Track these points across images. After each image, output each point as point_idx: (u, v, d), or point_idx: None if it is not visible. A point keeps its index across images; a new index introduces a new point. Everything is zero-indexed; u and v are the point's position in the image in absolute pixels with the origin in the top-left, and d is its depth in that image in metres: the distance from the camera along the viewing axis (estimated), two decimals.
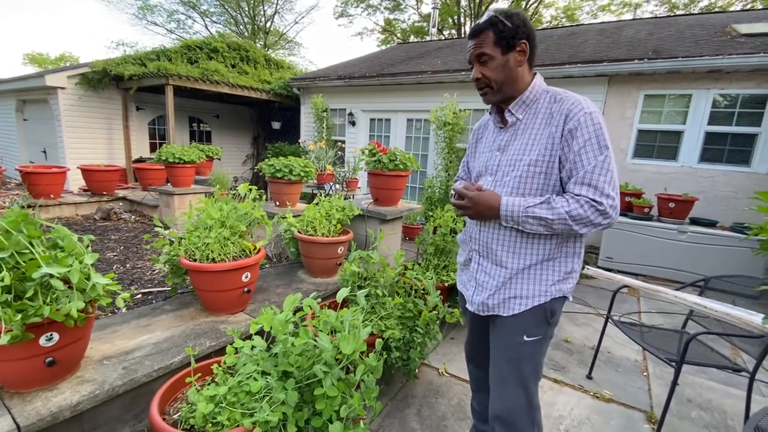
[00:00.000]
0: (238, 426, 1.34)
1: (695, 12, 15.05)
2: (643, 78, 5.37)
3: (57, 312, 1.31)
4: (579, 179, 1.12)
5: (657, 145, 5.49)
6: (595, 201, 1.10)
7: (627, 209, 5.05)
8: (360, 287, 2.34)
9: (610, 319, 2.39)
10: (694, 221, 4.76)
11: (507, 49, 1.19)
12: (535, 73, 1.28)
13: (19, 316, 1.25)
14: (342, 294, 1.59)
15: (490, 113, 1.39)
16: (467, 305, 1.45)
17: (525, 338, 1.26)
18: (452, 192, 1.32)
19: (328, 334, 1.49)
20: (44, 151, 8.72)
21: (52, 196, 5.18)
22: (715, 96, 5.08)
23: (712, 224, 4.65)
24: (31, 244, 1.34)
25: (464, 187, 1.27)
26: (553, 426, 2.03)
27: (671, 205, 4.72)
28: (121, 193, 6.09)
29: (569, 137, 1.13)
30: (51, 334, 1.38)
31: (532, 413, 1.31)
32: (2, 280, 1.22)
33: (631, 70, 5.24)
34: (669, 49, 5.39)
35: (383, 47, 19.81)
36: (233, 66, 9.40)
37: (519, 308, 1.26)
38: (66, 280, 1.35)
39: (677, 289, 2.36)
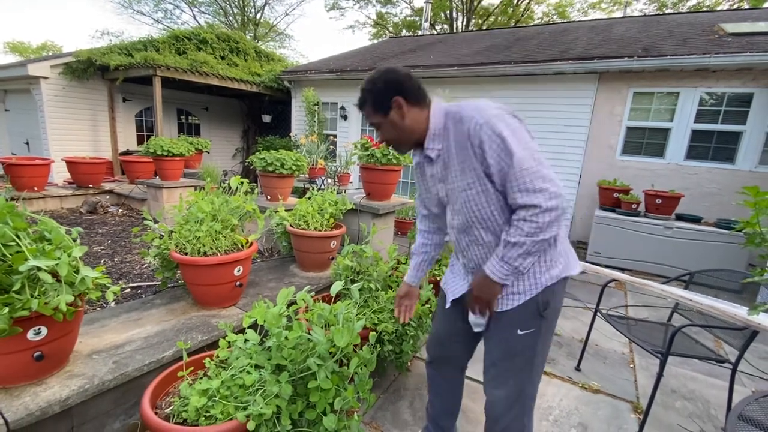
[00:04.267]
0: (231, 419, 1.34)
1: (684, 11, 15.27)
2: (632, 75, 5.44)
3: (45, 306, 1.29)
4: (511, 189, 1.13)
5: (645, 142, 5.58)
6: (534, 205, 1.09)
7: (615, 205, 5.14)
8: (353, 281, 2.35)
9: (598, 313, 2.44)
10: (680, 217, 4.86)
11: (386, 111, 1.25)
12: (429, 104, 1.29)
13: (6, 309, 1.22)
14: (336, 287, 1.59)
15: (414, 154, 1.43)
16: (451, 297, 1.49)
17: (519, 332, 1.28)
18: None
19: (321, 328, 1.49)
20: (27, 143, 8.49)
21: (35, 188, 5.06)
22: (702, 94, 5.17)
23: (697, 220, 4.76)
24: (18, 236, 1.31)
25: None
26: (543, 416, 2.07)
27: (658, 201, 4.81)
28: (107, 186, 5.97)
29: (482, 154, 1.14)
30: (39, 328, 1.35)
31: (525, 402, 1.33)
32: None
33: (621, 67, 5.30)
34: (658, 48, 5.47)
35: (375, 41, 19.68)
36: (222, 58, 9.25)
37: (512, 304, 1.28)
38: (54, 273, 1.33)
39: (663, 283, 2.41)
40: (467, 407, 2.09)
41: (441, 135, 1.26)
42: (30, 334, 1.34)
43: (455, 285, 1.49)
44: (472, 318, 1.39)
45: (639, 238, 4.76)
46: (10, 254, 1.26)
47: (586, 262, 4.68)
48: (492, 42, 8.18)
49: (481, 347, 1.52)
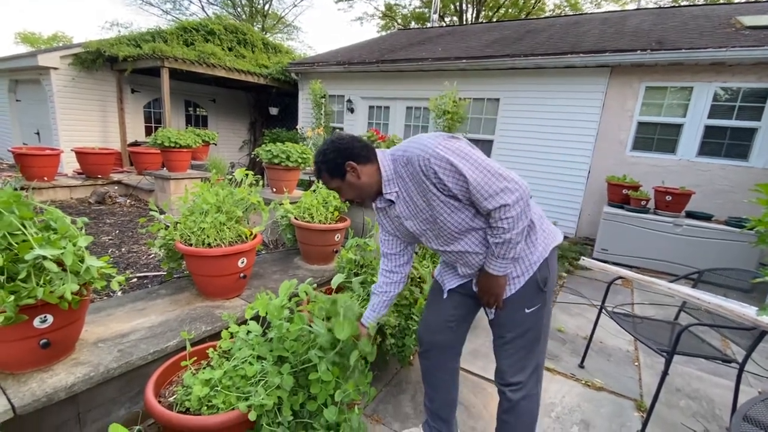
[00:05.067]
0: (233, 409, 1.35)
1: (700, 3, 14.87)
2: (645, 69, 5.33)
3: (51, 294, 1.30)
4: (478, 199, 1.22)
5: (656, 137, 5.47)
6: (502, 206, 1.19)
7: (624, 201, 5.07)
8: (356, 274, 2.34)
9: (604, 310, 2.41)
10: (690, 215, 4.78)
11: (342, 176, 1.35)
12: (375, 156, 1.36)
13: (12, 297, 1.24)
14: (337, 280, 1.59)
15: (374, 201, 1.47)
16: (451, 287, 1.53)
17: (526, 311, 1.38)
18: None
19: (323, 320, 1.49)
20: (37, 133, 8.59)
21: (45, 178, 5.13)
22: (717, 89, 5.05)
23: (707, 218, 4.67)
24: (24, 225, 1.32)
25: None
26: (545, 413, 2.06)
27: (668, 198, 4.73)
28: (116, 176, 6.03)
29: (441, 182, 1.22)
30: (45, 316, 1.37)
31: (537, 373, 1.47)
32: None
33: (633, 61, 5.19)
34: (673, 41, 5.34)
35: (383, 33, 19.51)
36: (230, 49, 9.24)
37: (515, 287, 1.37)
38: (60, 263, 1.34)
39: (671, 282, 2.37)
40: (469, 402, 2.09)
41: (394, 179, 1.35)
42: (36, 322, 1.36)
43: (450, 277, 1.55)
44: (455, 279, 1.52)
45: (648, 235, 4.70)
46: (16, 243, 1.28)
47: (593, 259, 4.64)
48: (501, 34, 8.05)
49: (471, 337, 1.52)
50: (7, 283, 1.26)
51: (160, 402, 1.40)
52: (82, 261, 1.41)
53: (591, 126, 5.69)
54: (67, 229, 1.42)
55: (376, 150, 1.38)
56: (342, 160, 1.33)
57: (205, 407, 1.38)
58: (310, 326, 1.48)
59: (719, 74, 4.98)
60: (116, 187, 5.81)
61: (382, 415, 1.96)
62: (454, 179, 1.20)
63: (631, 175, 5.42)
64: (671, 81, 5.25)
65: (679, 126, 5.30)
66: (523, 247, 1.34)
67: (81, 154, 5.73)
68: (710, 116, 5.10)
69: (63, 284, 1.33)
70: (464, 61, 6.31)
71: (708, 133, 5.15)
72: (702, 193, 5.09)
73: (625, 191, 5.08)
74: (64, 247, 1.33)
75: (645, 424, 1.95)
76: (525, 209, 1.22)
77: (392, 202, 1.39)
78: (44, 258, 1.28)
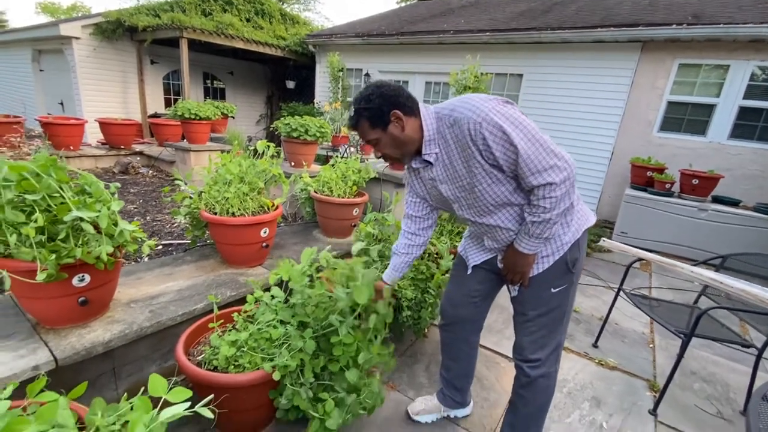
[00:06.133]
0: (258, 369, 1.42)
1: None
2: (679, 45, 5.06)
3: (88, 254, 1.37)
4: (524, 173, 1.15)
5: (686, 118, 5.25)
6: (548, 184, 1.13)
7: (647, 184, 4.93)
8: None
9: (621, 291, 2.40)
10: (717, 199, 4.63)
11: (384, 126, 1.25)
12: (418, 111, 1.28)
13: (53, 256, 1.31)
14: (357, 247, 1.62)
15: (411, 161, 1.39)
16: (475, 263, 1.52)
17: (552, 290, 1.35)
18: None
19: (342, 286, 1.53)
20: (61, 103, 8.75)
21: (71, 147, 5.26)
22: (755, 68, 4.78)
23: (734, 203, 4.52)
24: (61, 188, 1.37)
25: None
26: (557, 388, 2.07)
27: (694, 181, 4.58)
28: (138, 147, 6.13)
29: (488, 150, 1.15)
30: (83, 276, 1.45)
31: (557, 352, 1.45)
32: (36, 221, 1.27)
33: (667, 35, 4.93)
34: (710, 15, 5.03)
35: (403, 4, 18.87)
36: (248, 20, 9.12)
37: (543, 266, 1.33)
38: (95, 225, 1.40)
39: (693, 266, 2.33)
40: (482, 375, 2.14)
41: (435, 139, 1.27)
42: (75, 281, 1.43)
43: (475, 253, 1.52)
44: (481, 254, 1.49)
45: (670, 219, 4.59)
46: (55, 205, 1.34)
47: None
48: (528, 6, 7.71)
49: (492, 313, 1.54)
50: (47, 242, 1.33)
51: (189, 360, 1.48)
52: (115, 224, 1.46)
53: (618, 105, 5.48)
54: (101, 193, 1.47)
55: (420, 104, 1.30)
56: (388, 108, 1.22)
57: (232, 366, 1.46)
58: (331, 292, 1.52)
59: (758, 52, 4.70)
60: (138, 158, 5.92)
61: (398, 383, 2.03)
62: (503, 149, 1.13)
63: (656, 157, 5.25)
64: (706, 58, 4.99)
65: (711, 106, 5.06)
66: (558, 227, 1.30)
67: (104, 125, 5.84)
68: (746, 97, 4.85)
69: (99, 246, 1.40)
70: (488, 34, 6.09)
71: (742, 114, 4.91)
72: (731, 177, 4.91)
73: (649, 173, 4.93)
74: (99, 211, 1.38)
75: (657, 404, 1.98)
76: (570, 190, 1.16)
77: (430, 163, 1.32)
78: (81, 220, 1.33)
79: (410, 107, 1.26)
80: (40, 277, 1.29)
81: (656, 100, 5.33)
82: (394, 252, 1.61)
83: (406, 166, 1.44)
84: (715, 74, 5.02)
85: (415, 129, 1.27)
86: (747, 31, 4.50)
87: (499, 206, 1.28)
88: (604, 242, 2.53)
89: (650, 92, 5.34)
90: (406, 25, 7.71)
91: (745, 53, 4.76)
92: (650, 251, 4.56)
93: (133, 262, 2.46)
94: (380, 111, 1.23)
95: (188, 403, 0.89)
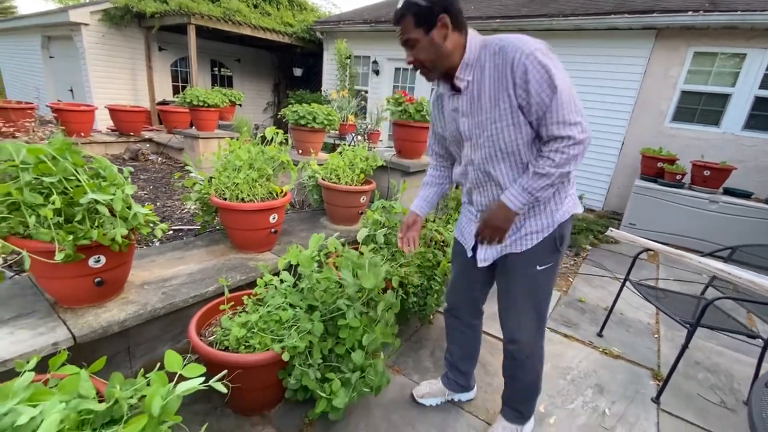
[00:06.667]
0: (268, 350, 1.46)
1: None
2: (694, 33, 4.94)
3: (104, 236, 1.40)
4: (548, 120, 1.14)
5: (700, 108, 5.16)
6: (568, 137, 1.14)
7: (658, 175, 4.87)
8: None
9: (628, 281, 2.40)
10: (728, 191, 4.57)
11: (428, 28, 1.17)
12: (466, 32, 1.23)
13: (71, 237, 1.34)
14: (363, 233, 1.64)
15: (438, 85, 1.38)
16: (468, 254, 1.52)
17: (538, 268, 1.36)
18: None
19: (349, 272, 1.56)
20: (71, 90, 8.82)
21: (82, 134, 5.32)
22: None
23: (746, 195, 4.46)
24: (77, 171, 1.41)
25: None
26: (560, 375, 2.12)
27: (706, 173, 4.52)
28: (147, 134, 6.19)
29: (522, 84, 1.13)
30: (99, 257, 1.49)
31: (541, 328, 1.48)
32: (53, 203, 1.30)
33: (683, 23, 4.81)
34: (728, 1, 4.89)
35: None
36: (255, 6, 9.04)
37: (531, 242, 1.34)
38: (109, 208, 1.43)
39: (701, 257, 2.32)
40: (486, 360, 2.17)
41: (473, 66, 1.22)
42: (91, 262, 1.47)
43: (470, 233, 1.51)
44: (480, 253, 1.44)
45: (680, 211, 4.54)
46: (71, 188, 1.37)
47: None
48: None
49: (490, 302, 1.57)
50: (64, 224, 1.37)
51: (201, 340, 1.53)
52: (129, 207, 1.50)
53: (629, 94, 5.40)
54: (115, 177, 1.50)
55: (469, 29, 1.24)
56: (438, 10, 1.14)
57: (243, 347, 1.50)
58: (339, 278, 1.55)
59: None
60: (147, 145, 5.98)
61: (403, 367, 2.07)
62: (540, 88, 1.11)
63: (668, 147, 5.17)
64: (722, 46, 4.87)
65: (726, 96, 4.96)
66: (550, 200, 1.31)
67: (114, 111, 5.89)
68: (762, 87, 4.75)
69: (113, 228, 1.43)
70: (497, 20, 6.00)
71: (758, 105, 4.81)
72: (744, 169, 4.83)
73: (660, 164, 4.87)
74: (114, 194, 1.42)
75: (660, 392, 1.99)
76: (579, 156, 1.17)
77: (457, 92, 1.28)
78: (97, 202, 1.36)
79: (460, 21, 1.20)
80: (59, 257, 1.33)
81: (669, 89, 5.23)
82: (424, 183, 1.64)
83: (433, 94, 1.44)
84: (730, 63, 4.90)
85: (457, 45, 1.21)
86: (765, 18, 4.38)
87: (507, 155, 1.25)
88: (612, 231, 2.53)
89: (663, 81, 5.24)
90: None
91: (762, 41, 4.64)
92: (659, 243, 4.55)
93: (145, 247, 2.51)
94: (430, 11, 1.15)
95: (202, 378, 0.92)
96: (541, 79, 1.10)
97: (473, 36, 1.23)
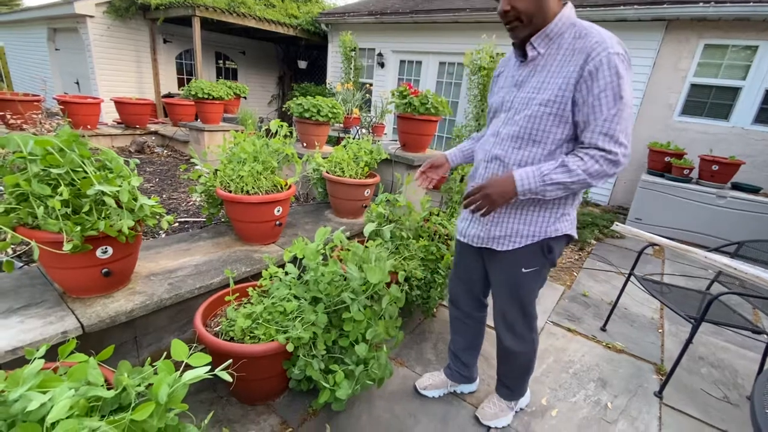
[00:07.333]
0: (273, 340, 1.47)
1: None
2: (705, 24, 4.85)
3: (111, 228, 1.42)
4: (596, 127, 1.10)
5: (709, 102, 5.08)
6: (611, 152, 1.10)
7: (665, 170, 4.82)
8: None
9: (633, 275, 2.40)
10: (736, 186, 4.51)
11: None
12: (565, 3, 1.19)
13: (78, 228, 1.36)
14: (369, 228, 1.65)
15: (514, 45, 1.32)
16: (459, 237, 1.54)
17: (523, 270, 1.37)
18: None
19: (355, 265, 1.57)
20: (77, 83, 8.85)
21: (89, 126, 5.35)
22: None
23: (755, 190, 4.41)
24: (84, 163, 1.42)
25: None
26: (563, 369, 2.13)
27: (714, 167, 4.46)
28: (152, 127, 6.21)
29: (589, 79, 1.08)
30: (106, 248, 1.50)
31: (529, 322, 1.49)
32: (61, 195, 1.32)
33: (694, 14, 4.72)
34: None
35: None
36: None
37: (513, 245, 1.34)
38: (116, 199, 1.45)
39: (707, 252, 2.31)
40: (489, 353, 2.18)
41: (551, 39, 1.16)
42: (98, 252, 1.49)
43: (461, 223, 1.54)
44: (460, 223, 1.47)
45: (687, 206, 4.50)
46: (79, 179, 1.38)
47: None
48: None
49: None
50: (72, 215, 1.38)
51: (207, 330, 1.55)
52: (135, 199, 1.51)
53: (637, 87, 5.32)
54: (121, 168, 1.51)
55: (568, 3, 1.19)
56: None
57: (248, 337, 1.52)
58: (344, 271, 1.56)
59: None
60: (153, 138, 6.00)
61: (405, 359, 2.09)
62: (603, 92, 1.06)
63: (675, 142, 5.11)
64: (734, 38, 4.78)
65: (736, 89, 4.88)
66: (548, 211, 1.28)
67: (120, 104, 5.90)
68: None
69: (120, 219, 1.45)
70: None
71: None
72: (753, 164, 4.77)
73: (667, 159, 4.81)
74: (120, 185, 1.43)
75: (663, 386, 1.99)
76: (607, 177, 1.13)
77: (522, 60, 1.25)
78: (104, 194, 1.38)
79: None
80: (67, 247, 1.35)
81: (678, 82, 5.15)
82: (470, 137, 1.64)
83: (500, 66, 1.41)
84: (742, 55, 4.81)
85: (554, 8, 1.14)
86: None
87: (534, 143, 1.21)
88: (617, 226, 2.51)
89: (672, 74, 5.16)
90: (420, 3, 7.52)
91: None
92: (665, 238, 4.52)
93: (151, 238, 2.54)
94: None
95: (208, 367, 0.94)
96: (610, 83, 1.06)
97: (569, 10, 1.18)
